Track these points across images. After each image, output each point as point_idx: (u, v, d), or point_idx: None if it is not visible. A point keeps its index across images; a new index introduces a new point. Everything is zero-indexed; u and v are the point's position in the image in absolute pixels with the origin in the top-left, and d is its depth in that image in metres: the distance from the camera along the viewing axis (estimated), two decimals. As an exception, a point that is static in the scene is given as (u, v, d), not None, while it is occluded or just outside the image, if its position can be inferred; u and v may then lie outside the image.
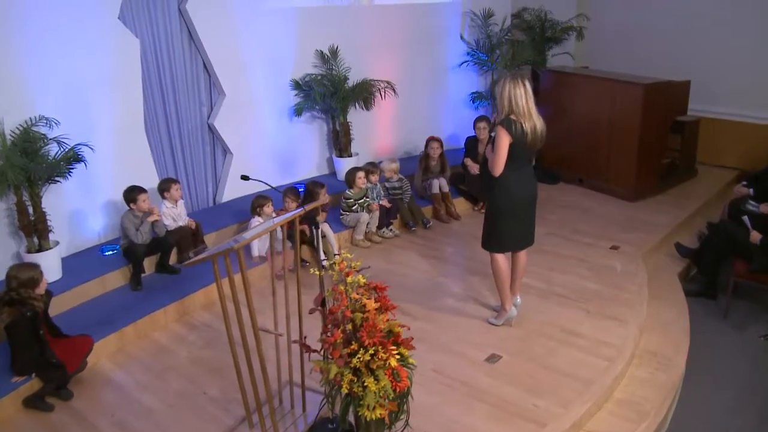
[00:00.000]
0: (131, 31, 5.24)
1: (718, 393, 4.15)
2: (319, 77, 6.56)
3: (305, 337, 3.21)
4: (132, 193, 4.87)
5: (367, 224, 5.94)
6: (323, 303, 3.04)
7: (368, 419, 2.84)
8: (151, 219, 4.89)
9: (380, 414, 2.84)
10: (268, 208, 5.29)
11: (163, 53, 5.57)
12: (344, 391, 2.83)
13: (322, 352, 2.97)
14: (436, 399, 3.66)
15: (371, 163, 6.36)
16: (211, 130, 6.10)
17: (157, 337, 4.51)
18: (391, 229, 6.11)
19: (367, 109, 6.88)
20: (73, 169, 4.64)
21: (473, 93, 7.97)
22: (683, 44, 7.79)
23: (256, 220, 5.28)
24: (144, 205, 4.87)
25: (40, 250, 4.67)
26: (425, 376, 3.81)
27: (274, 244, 4.60)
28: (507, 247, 4.24)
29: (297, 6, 6.38)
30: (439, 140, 6.60)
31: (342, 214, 6.00)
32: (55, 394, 3.79)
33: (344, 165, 6.62)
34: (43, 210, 4.63)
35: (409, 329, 3.04)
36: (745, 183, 5.72)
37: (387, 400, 2.84)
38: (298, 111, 6.54)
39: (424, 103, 7.62)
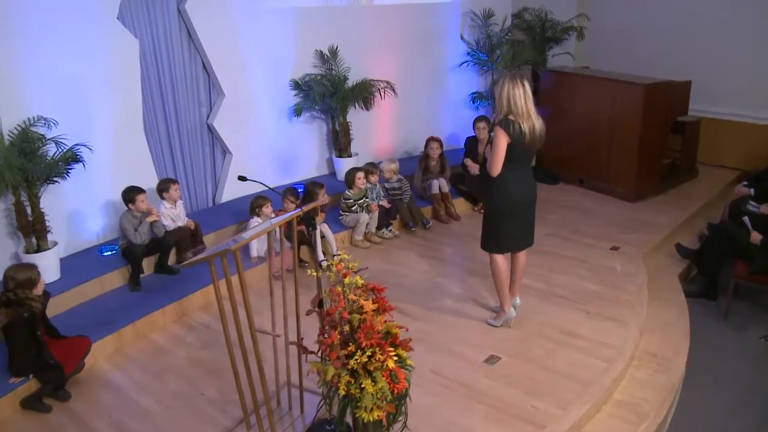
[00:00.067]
0: (130, 31, 5.23)
1: (718, 394, 4.13)
2: (319, 77, 6.54)
3: (302, 339, 3.19)
4: (130, 194, 4.87)
5: (367, 225, 5.93)
6: (321, 304, 3.02)
7: (366, 421, 2.83)
8: (149, 219, 4.88)
9: (378, 416, 2.82)
10: (267, 209, 5.28)
11: (163, 53, 5.56)
12: (341, 392, 2.82)
13: (319, 354, 2.96)
14: (435, 400, 3.64)
15: (371, 164, 6.35)
16: (211, 130, 6.09)
17: (156, 337, 4.50)
18: (390, 230, 6.10)
19: (367, 109, 6.87)
20: (71, 169, 4.63)
21: (473, 93, 7.95)
22: (684, 44, 7.78)
23: (255, 221, 5.27)
24: (142, 205, 4.87)
25: (38, 250, 4.67)
26: (424, 377, 3.80)
27: (273, 244, 4.61)
28: (506, 247, 4.23)
29: (296, 6, 6.37)
30: (438, 140, 6.59)
31: (341, 215, 5.99)
32: (52, 395, 3.78)
33: (344, 165, 6.61)
34: (42, 210, 4.62)
35: (407, 330, 3.02)
36: (745, 183, 5.70)
37: (384, 402, 2.83)
38: (297, 111, 6.53)
39: (424, 103, 7.61)
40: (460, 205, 6.64)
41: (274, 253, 4.64)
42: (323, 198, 5.56)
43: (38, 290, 3.77)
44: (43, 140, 4.56)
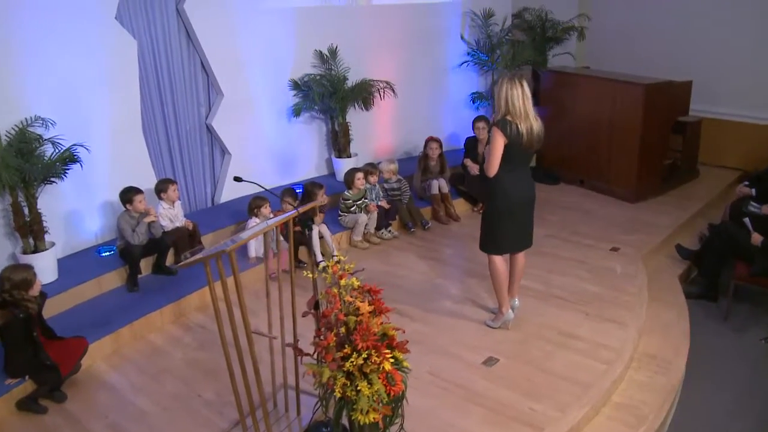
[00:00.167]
0: (128, 31, 5.22)
1: (718, 396, 4.10)
2: (318, 77, 6.53)
3: (298, 341, 3.18)
4: (128, 194, 4.86)
5: (366, 225, 5.91)
6: (317, 306, 3.00)
7: (362, 423, 2.81)
8: (147, 220, 4.87)
9: (374, 418, 2.80)
10: (266, 209, 5.26)
11: (161, 53, 5.55)
12: (337, 395, 2.80)
13: (315, 356, 2.94)
14: (432, 402, 3.62)
15: (370, 164, 6.33)
16: (210, 130, 6.08)
17: (153, 338, 4.49)
18: (389, 231, 6.08)
19: (367, 109, 6.85)
20: (68, 169, 4.62)
21: (473, 93, 7.93)
22: (685, 44, 7.75)
23: (254, 221, 5.25)
24: (140, 206, 4.85)
25: (35, 251, 4.66)
26: (421, 378, 3.78)
27: (271, 245, 4.59)
28: (504, 249, 4.20)
29: (296, 6, 6.35)
30: (438, 140, 6.57)
31: (340, 215, 5.97)
32: (48, 397, 3.77)
33: (343, 165, 6.59)
34: (39, 211, 4.61)
35: (404, 332, 3.00)
36: (747, 183, 5.68)
37: (381, 404, 2.81)
38: (296, 111, 6.51)
39: (424, 103, 7.59)
40: (459, 205, 6.62)
41: (271, 253, 4.64)
42: (322, 198, 5.56)
43: (34, 291, 3.75)
44: (41, 140, 4.55)
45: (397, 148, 7.57)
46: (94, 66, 5.02)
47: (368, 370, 2.79)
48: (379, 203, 6.05)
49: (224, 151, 6.22)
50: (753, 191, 5.46)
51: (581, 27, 8.20)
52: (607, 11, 8.41)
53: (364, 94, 6.66)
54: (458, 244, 5.95)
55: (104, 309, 4.61)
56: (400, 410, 2.97)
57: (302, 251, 5.48)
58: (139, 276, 4.95)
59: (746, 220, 4.98)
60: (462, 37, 7.76)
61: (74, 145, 4.64)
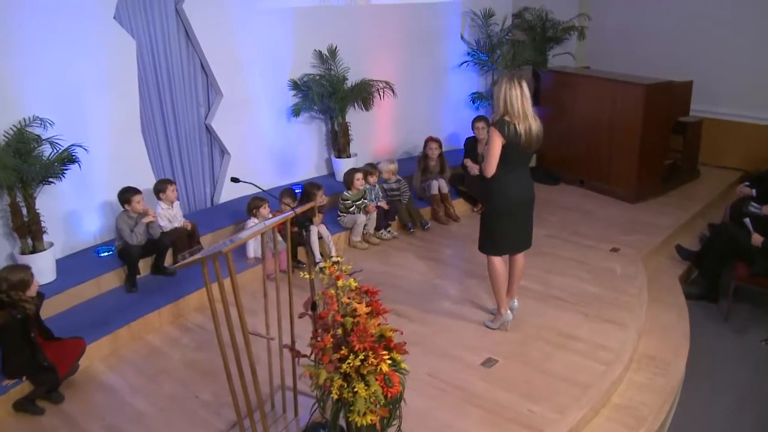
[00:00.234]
0: (127, 31, 5.21)
1: (718, 398, 4.09)
2: (318, 77, 6.51)
3: (295, 342, 3.16)
4: (126, 194, 4.85)
5: (365, 226, 5.89)
6: (314, 307, 2.99)
7: (359, 425, 2.79)
8: (146, 220, 4.86)
9: (371, 420, 2.79)
10: (265, 210, 5.25)
11: (160, 53, 5.54)
12: (334, 396, 2.79)
13: (312, 357, 2.93)
14: (430, 403, 3.61)
15: (370, 164, 6.31)
16: (209, 130, 6.06)
17: (151, 339, 4.48)
18: (389, 231, 6.06)
19: (367, 109, 6.84)
20: (66, 170, 4.60)
21: (473, 93, 7.92)
22: (685, 44, 7.73)
23: (252, 222, 5.24)
24: (138, 206, 4.84)
25: (34, 251, 4.65)
26: (419, 380, 3.76)
27: (269, 245, 4.58)
28: (503, 249, 4.19)
29: (295, 6, 6.34)
30: (437, 140, 6.55)
31: (339, 216, 5.96)
32: (45, 398, 3.76)
33: (343, 166, 6.58)
34: (37, 211, 4.60)
35: (401, 333, 2.99)
36: (747, 183, 5.67)
37: (378, 406, 2.80)
38: (296, 111, 6.50)
39: (424, 103, 7.57)
40: (459, 206, 6.60)
41: (269, 254, 4.62)
42: (321, 199, 5.55)
43: (32, 292, 3.74)
44: (39, 141, 4.54)
45: (397, 148, 7.55)
46: (93, 66, 5.01)
47: (365, 372, 2.77)
48: (379, 204, 6.03)
49: (223, 152, 6.21)
50: (753, 191, 5.44)
51: (581, 27, 8.19)
52: (607, 11, 8.39)
53: (364, 94, 6.65)
54: (458, 244, 5.93)
55: (102, 309, 4.60)
56: (397, 412, 2.96)
57: (302, 252, 5.47)
58: (138, 276, 4.94)
59: (747, 220, 4.96)
60: (462, 37, 7.74)
61: (72, 145, 4.63)
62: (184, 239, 5.15)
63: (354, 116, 6.81)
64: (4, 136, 4.48)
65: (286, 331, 3.29)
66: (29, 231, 4.61)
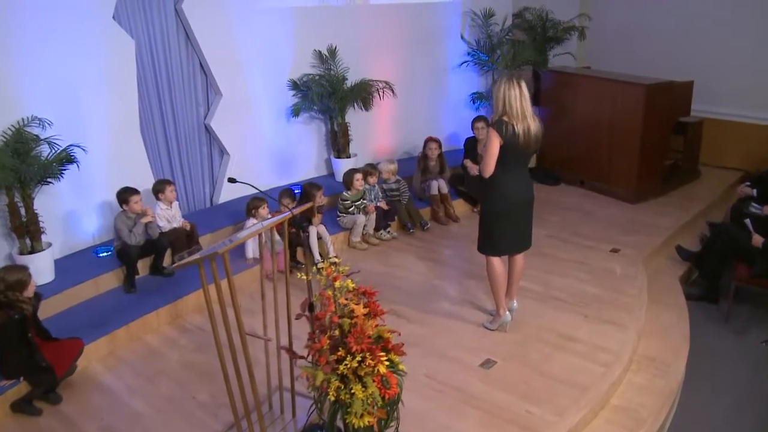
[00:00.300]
0: (126, 31, 5.20)
1: (718, 400, 4.07)
2: (317, 77, 6.50)
3: (292, 343, 3.15)
4: (124, 195, 4.84)
5: (364, 226, 5.88)
6: (311, 308, 2.97)
7: (356, 427, 2.78)
8: (144, 220, 4.85)
9: (368, 422, 2.78)
10: (264, 210, 5.24)
11: (159, 53, 5.53)
12: (331, 398, 2.78)
13: (309, 358, 2.92)
14: (428, 405, 3.59)
15: (370, 165, 6.29)
16: (208, 130, 6.05)
17: (149, 340, 4.47)
18: (388, 231, 6.05)
19: (366, 109, 6.82)
20: (65, 170, 4.59)
21: (473, 93, 7.90)
22: (686, 44, 7.71)
23: (251, 222, 5.23)
24: (136, 206, 4.83)
25: (32, 251, 4.64)
26: (418, 381, 3.75)
27: (268, 245, 4.56)
28: (502, 250, 4.17)
29: (294, 5, 6.33)
30: (437, 140, 6.53)
31: (339, 216, 5.95)
32: (43, 398, 3.75)
33: (342, 166, 6.57)
34: (35, 211, 4.59)
35: (399, 334, 2.98)
36: (748, 183, 5.65)
37: (375, 408, 2.79)
38: (295, 111, 6.49)
39: (424, 103, 7.56)
40: (459, 206, 6.58)
41: (267, 254, 4.61)
42: (320, 199, 5.54)
43: (29, 292, 3.73)
44: (37, 141, 4.53)
45: (397, 149, 7.54)
46: (92, 66, 5.01)
47: (363, 373, 2.76)
48: (378, 204, 6.02)
49: (223, 152, 6.20)
50: (754, 192, 5.42)
51: (582, 27, 8.17)
52: (607, 11, 8.37)
53: (364, 94, 6.63)
54: (457, 245, 5.92)
55: (101, 310, 4.59)
56: (395, 413, 2.95)
57: (301, 252, 5.46)
58: (137, 277, 4.93)
59: (747, 221, 4.94)
60: (462, 37, 7.72)
61: (71, 145, 4.62)
62: (183, 239, 5.14)
63: (354, 116, 6.80)
64: (3, 136, 4.48)
65: (284, 332, 3.28)
66: (27, 231, 4.60)
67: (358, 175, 5.92)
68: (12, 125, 4.51)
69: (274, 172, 6.58)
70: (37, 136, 4.57)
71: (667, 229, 6.02)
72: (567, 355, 4.06)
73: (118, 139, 5.26)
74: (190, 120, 5.90)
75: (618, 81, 6.76)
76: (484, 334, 4.35)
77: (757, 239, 4.76)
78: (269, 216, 5.16)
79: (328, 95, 6.43)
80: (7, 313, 3.60)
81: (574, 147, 7.19)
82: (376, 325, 2.90)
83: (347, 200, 5.90)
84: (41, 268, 4.60)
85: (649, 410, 3.66)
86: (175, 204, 5.26)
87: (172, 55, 5.62)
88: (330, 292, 2.86)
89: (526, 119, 3.78)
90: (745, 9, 7.27)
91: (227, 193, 6.24)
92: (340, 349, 2.77)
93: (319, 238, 5.49)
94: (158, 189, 5.16)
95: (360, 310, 2.84)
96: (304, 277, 3.04)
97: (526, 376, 3.85)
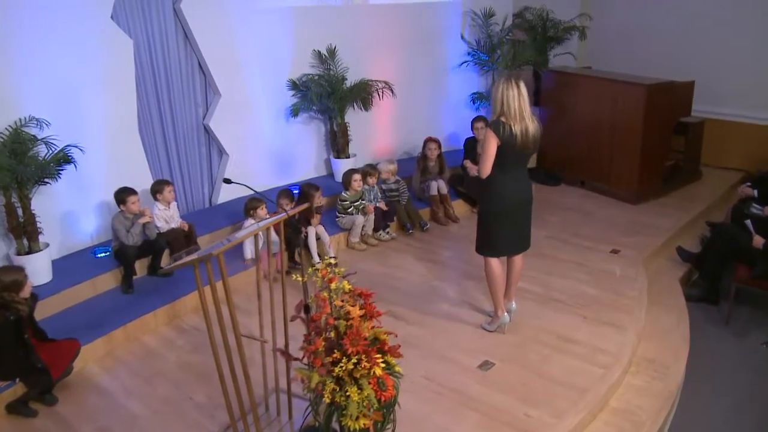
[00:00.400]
0: (125, 31, 5.19)
1: (718, 402, 4.04)
2: (317, 77, 6.48)
3: (288, 345, 3.13)
4: (121, 195, 4.83)
5: (363, 227, 5.86)
6: (307, 309, 2.96)
7: (352, 429, 2.76)
8: (142, 221, 4.83)
9: (364, 424, 2.76)
10: (262, 211, 5.22)
11: (158, 53, 5.52)
12: (326, 400, 2.76)
13: (304, 360, 2.90)
14: (426, 407, 3.57)
15: (369, 165, 6.26)
16: (207, 130, 6.04)
17: (147, 340, 4.45)
18: (387, 232, 6.03)
19: (366, 109, 6.80)
20: (62, 170, 4.58)
21: (474, 93, 7.87)
22: (687, 44, 7.68)
23: (249, 222, 5.21)
24: (133, 207, 4.82)
25: (29, 252, 4.63)
26: (416, 383, 3.73)
27: (266, 246, 4.54)
28: (500, 251, 4.15)
29: (294, 5, 6.31)
30: (436, 141, 6.51)
31: (338, 217, 5.92)
32: (39, 400, 3.74)
33: (342, 166, 6.55)
34: (33, 212, 4.58)
35: (396, 336, 2.96)
36: (749, 184, 5.61)
37: (371, 410, 2.77)
38: (294, 112, 6.47)
39: (424, 103, 7.54)
40: (458, 207, 6.56)
41: (264, 255, 4.59)
42: (318, 200, 5.52)
43: (25, 293, 3.72)
44: (34, 141, 4.52)
45: (397, 149, 7.52)
46: (90, 66, 4.99)
47: (358, 376, 2.74)
48: (377, 204, 5.99)
49: (222, 152, 6.19)
50: (755, 192, 5.39)
51: (582, 27, 8.15)
52: (608, 11, 8.35)
53: (363, 94, 6.61)
54: (457, 245, 5.90)
55: (98, 311, 4.58)
56: (391, 416, 2.93)
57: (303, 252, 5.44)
58: (135, 277, 4.91)
59: (748, 222, 4.91)
60: (462, 37, 7.70)
61: (68, 145, 4.60)
62: (181, 240, 5.12)
63: (353, 116, 6.78)
64: (0, 136, 4.46)
65: (281, 333, 3.26)
66: (25, 232, 4.59)
67: (357, 176, 5.89)
68: (9, 125, 4.49)
69: (274, 172, 6.56)
70: (34, 136, 4.55)
71: (668, 230, 5.99)
72: (566, 357, 4.03)
73: (117, 139, 5.25)
74: (189, 120, 5.88)
75: (619, 81, 6.73)
76: (482, 335, 4.33)
77: (758, 240, 4.73)
78: (267, 216, 5.15)
79: (328, 95, 6.41)
80: (3, 314, 3.59)
81: (575, 147, 7.16)
82: (373, 327, 2.88)
83: (346, 201, 5.88)
84: (38, 269, 4.59)
85: (648, 412, 3.64)
86: (174, 204, 5.24)
87: (170, 55, 5.60)
88: (326, 294, 2.84)
89: (525, 120, 3.75)
90: (747, 9, 7.24)
91: (226, 194, 6.22)
92: (336, 351, 2.75)
93: (318, 238, 5.47)
94: (156, 189, 5.14)
95: (356, 311, 2.82)
96: (299, 279, 3.02)
97: (524, 378, 3.83)
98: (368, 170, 6.06)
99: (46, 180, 4.54)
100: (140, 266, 5.03)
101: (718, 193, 6.97)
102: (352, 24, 6.74)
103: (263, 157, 6.45)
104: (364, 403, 2.73)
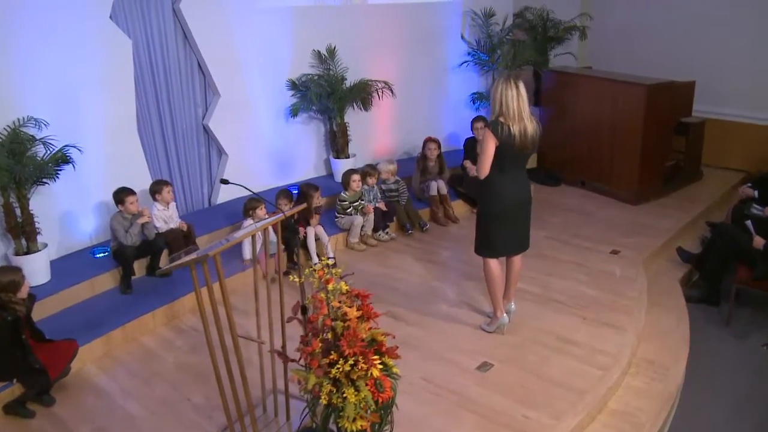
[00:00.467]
0: (124, 30, 5.18)
1: (718, 404, 4.02)
2: (316, 77, 6.47)
3: (285, 345, 3.12)
4: (120, 195, 4.82)
5: (363, 227, 5.85)
6: (304, 311, 2.94)
7: (349, 431, 2.75)
8: (141, 221, 4.83)
9: (362, 426, 2.75)
10: (261, 211, 5.21)
11: (157, 53, 5.51)
12: (323, 402, 2.74)
13: (301, 362, 2.89)
14: (424, 409, 3.56)
15: (369, 166, 6.25)
16: (206, 131, 6.03)
17: (145, 341, 4.44)
18: (387, 232, 6.01)
19: (366, 109, 6.79)
20: (60, 170, 4.57)
21: (474, 93, 7.86)
22: (688, 44, 7.66)
23: (248, 222, 5.20)
24: (131, 207, 4.81)
25: (28, 252, 4.62)
26: (414, 384, 3.72)
27: (262, 247, 4.53)
28: (498, 252, 4.13)
29: (293, 5, 6.30)
30: (436, 141, 6.49)
31: (337, 217, 5.91)
32: (36, 400, 3.73)
33: (341, 166, 6.54)
34: (31, 212, 4.57)
35: (394, 337, 2.94)
36: (750, 184, 5.59)
37: (368, 412, 2.75)
38: (294, 112, 6.46)
39: (424, 103, 7.52)
40: (458, 207, 6.54)
41: (261, 256, 4.58)
42: (317, 200, 5.51)
43: (23, 293, 3.71)
44: (32, 141, 4.51)
45: (397, 149, 7.51)
46: (89, 66, 4.98)
47: (355, 377, 2.73)
48: (377, 205, 5.98)
49: (221, 152, 6.18)
50: (756, 193, 5.37)
51: (583, 26, 8.13)
52: (609, 11, 8.33)
53: (363, 94, 6.60)
54: (456, 246, 5.88)
55: (96, 311, 4.57)
56: (389, 417, 2.91)
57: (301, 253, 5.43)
58: (133, 278, 4.90)
59: (748, 223, 4.89)
60: (462, 37, 7.69)
61: (66, 146, 4.60)
62: (180, 240, 5.11)
63: (353, 116, 6.77)
64: (-2, 136, 4.46)
65: (278, 334, 3.25)
66: (23, 232, 4.58)
67: (355, 176, 5.88)
68: (8, 125, 4.49)
69: (273, 172, 6.55)
70: (32, 136, 4.54)
71: (668, 231, 5.97)
72: (565, 358, 4.02)
73: (116, 139, 5.24)
74: (188, 120, 5.87)
75: (619, 81, 6.72)
76: (481, 336, 4.31)
77: (759, 241, 4.71)
78: (266, 217, 5.14)
79: (327, 95, 6.40)
80: (0, 315, 3.58)
81: (575, 147, 7.15)
82: (370, 328, 2.87)
83: (345, 201, 5.87)
84: (37, 269, 4.59)
85: (647, 414, 3.62)
86: (172, 205, 5.23)
87: (169, 55, 5.59)
88: (323, 295, 2.83)
89: (523, 120, 3.74)
90: (746, 9, 7.22)
91: (225, 194, 6.21)
92: (333, 352, 2.74)
93: (317, 239, 5.45)
94: (155, 190, 5.13)
95: (353, 313, 2.81)
96: (296, 280, 3.00)
97: (523, 380, 3.81)
98: (368, 170, 6.04)
99: (44, 180, 4.53)
100: (139, 266, 5.02)
101: (718, 194, 6.95)
102: (351, 24, 6.73)
103: (263, 158, 6.45)
104: (362, 405, 2.72)
